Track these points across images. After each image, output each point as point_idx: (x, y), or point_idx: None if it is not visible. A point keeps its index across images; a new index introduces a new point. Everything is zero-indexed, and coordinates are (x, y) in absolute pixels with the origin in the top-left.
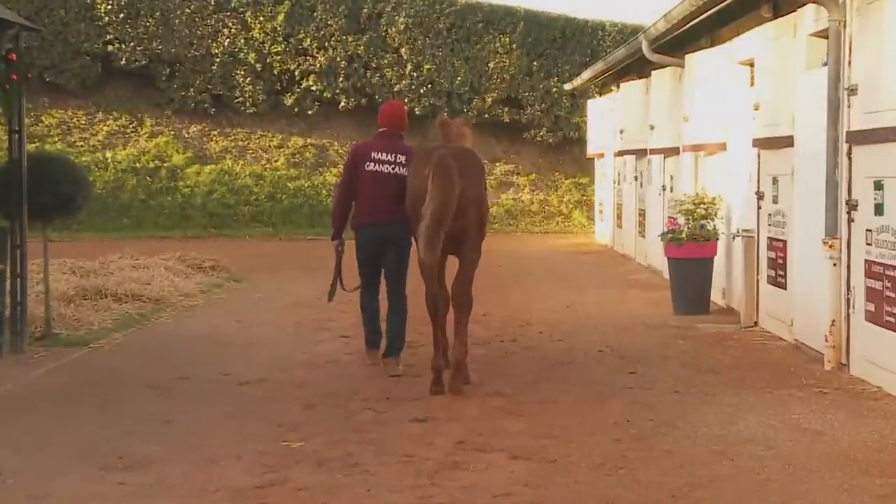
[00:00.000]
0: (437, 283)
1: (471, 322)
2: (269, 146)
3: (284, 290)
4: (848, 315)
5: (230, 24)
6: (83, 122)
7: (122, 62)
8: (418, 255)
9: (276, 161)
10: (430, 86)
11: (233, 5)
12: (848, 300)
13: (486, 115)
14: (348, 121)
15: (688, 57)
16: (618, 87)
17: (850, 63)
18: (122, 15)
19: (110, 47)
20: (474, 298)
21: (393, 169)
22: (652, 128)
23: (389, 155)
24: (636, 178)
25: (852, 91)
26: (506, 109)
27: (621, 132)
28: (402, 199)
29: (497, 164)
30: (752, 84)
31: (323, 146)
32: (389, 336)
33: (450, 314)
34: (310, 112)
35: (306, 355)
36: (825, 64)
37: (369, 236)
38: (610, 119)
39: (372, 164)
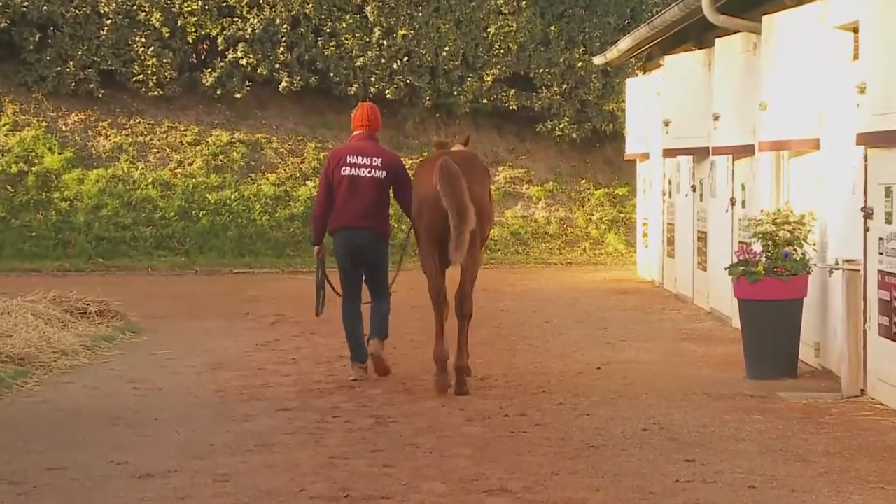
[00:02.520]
0: (440, 278)
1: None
2: (181, 143)
3: (202, 345)
4: None
5: None
6: None
7: None
8: (421, 258)
9: (190, 164)
10: (405, 59)
11: None
12: None
13: (485, 101)
14: (292, 108)
15: (765, 19)
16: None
17: None
18: None
19: None
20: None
21: (370, 172)
22: (716, 118)
23: (365, 158)
24: (694, 187)
25: None
26: (512, 92)
27: (669, 124)
28: (381, 204)
29: (500, 169)
30: (856, 57)
31: (256, 143)
32: (373, 324)
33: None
34: (238, 95)
35: (231, 436)
36: None
37: (347, 240)
38: (657, 105)
39: (347, 168)
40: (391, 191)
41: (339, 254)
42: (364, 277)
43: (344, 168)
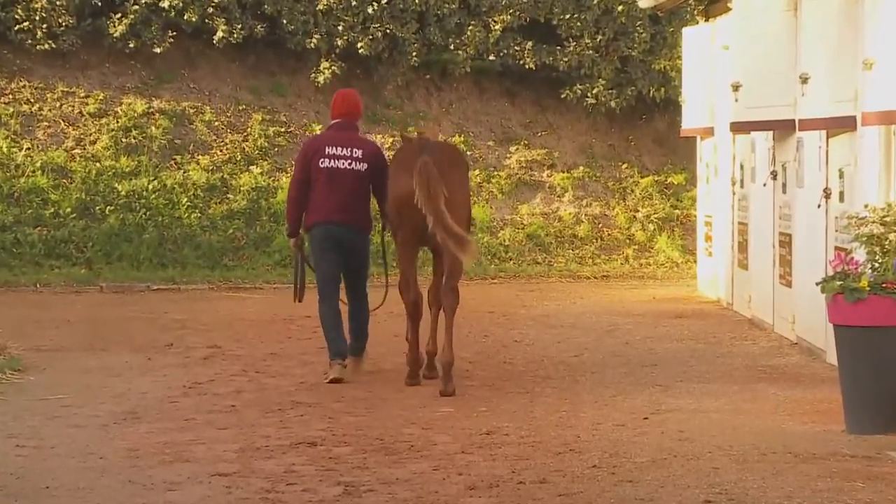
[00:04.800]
0: (416, 288)
1: (469, 451)
2: (81, 114)
3: (109, 388)
4: None
5: None
6: None
7: None
8: (399, 263)
9: (92, 142)
10: (384, 0)
11: None
12: None
13: (492, 58)
14: (231, 67)
15: None
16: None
17: None
18: None
19: None
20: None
21: (350, 164)
22: (804, 80)
23: (345, 149)
24: (774, 174)
25: None
26: (529, 46)
27: (741, 88)
28: (361, 197)
29: (512, 150)
30: None
31: (182, 114)
32: (351, 335)
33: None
34: (157, 50)
35: None
36: None
37: (324, 237)
38: (724, 63)
39: (326, 159)
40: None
41: (316, 251)
42: (342, 277)
43: (322, 160)
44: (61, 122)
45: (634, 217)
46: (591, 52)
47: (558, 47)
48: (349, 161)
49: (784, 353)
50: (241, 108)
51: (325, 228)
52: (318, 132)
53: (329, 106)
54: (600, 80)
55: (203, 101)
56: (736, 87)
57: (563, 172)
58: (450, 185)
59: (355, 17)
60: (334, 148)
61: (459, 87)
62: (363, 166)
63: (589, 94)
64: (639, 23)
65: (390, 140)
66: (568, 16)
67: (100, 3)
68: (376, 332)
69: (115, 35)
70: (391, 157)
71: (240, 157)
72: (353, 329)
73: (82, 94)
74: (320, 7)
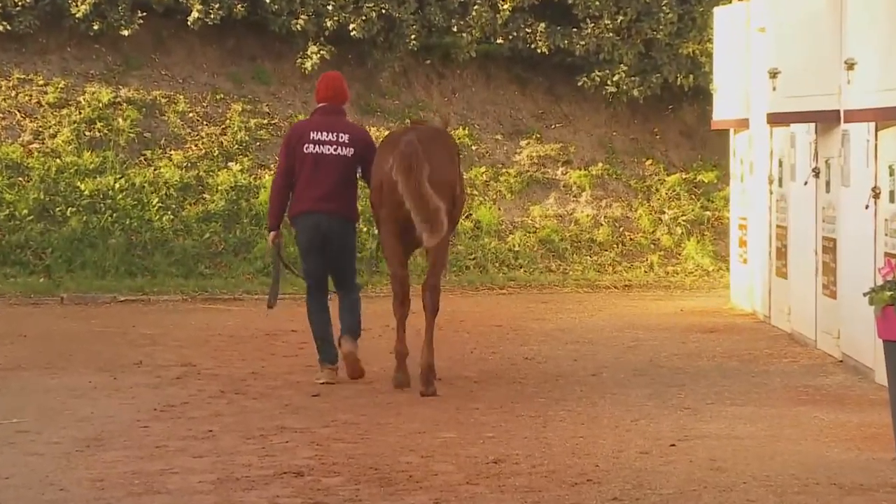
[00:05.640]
0: (403, 268)
1: (475, 481)
2: (39, 104)
3: (71, 411)
4: None
5: None
6: None
7: None
8: (383, 244)
9: (52, 136)
10: None
11: None
12: None
13: (500, 41)
14: (208, 52)
15: None
16: None
17: None
18: None
19: None
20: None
21: (336, 150)
22: (850, 66)
23: (331, 134)
24: (817, 171)
25: None
26: (541, 27)
27: (779, 75)
28: (348, 185)
29: (523, 144)
30: None
31: (154, 105)
32: (344, 322)
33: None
34: (125, 32)
35: None
36: None
37: (310, 226)
38: (760, 48)
39: (311, 145)
40: (358, 170)
41: (302, 242)
42: (330, 267)
43: (307, 145)
44: (17, 113)
45: (660, 219)
46: (611, 34)
47: (574, 29)
48: (335, 146)
49: (828, 371)
50: (218, 97)
51: (311, 218)
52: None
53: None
54: (621, 65)
55: (176, 90)
56: (774, 74)
57: (580, 169)
58: (434, 162)
59: None
60: (319, 133)
61: (463, 74)
62: (350, 151)
63: (609, 82)
64: (665, 2)
65: (386, 133)
66: None
67: None
68: (371, 349)
69: (77, 16)
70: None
71: (217, 152)
72: (345, 318)
73: (40, 82)
74: None
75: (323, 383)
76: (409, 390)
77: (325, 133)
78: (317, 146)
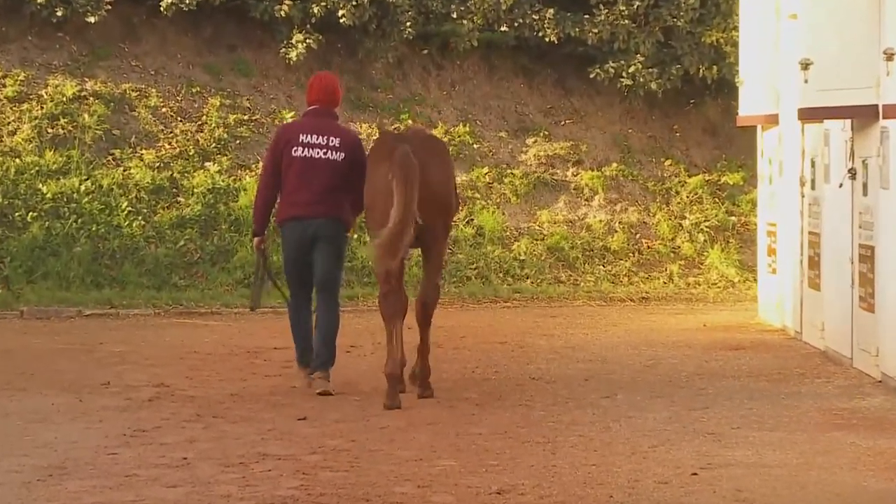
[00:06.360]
0: (395, 285)
1: None
2: None
3: (31, 436)
4: None
5: None
6: None
7: None
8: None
9: (11, 133)
10: None
11: None
12: None
13: (505, 28)
14: (182, 41)
15: None
16: None
17: None
18: None
19: None
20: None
21: (325, 154)
22: (889, 57)
23: (321, 137)
24: (853, 172)
25: None
26: (549, 14)
27: (811, 67)
28: (337, 189)
29: (529, 142)
30: None
31: (122, 99)
32: (317, 346)
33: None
34: (91, 19)
35: None
36: None
37: (298, 233)
38: (790, 36)
39: (300, 148)
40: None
41: (289, 249)
42: (315, 270)
43: (296, 148)
44: None
45: (680, 225)
46: (626, 21)
47: (586, 16)
48: (325, 150)
49: (865, 393)
50: (194, 90)
51: (300, 224)
52: (291, 120)
53: (303, 88)
54: (638, 56)
55: (147, 83)
56: (806, 66)
57: (592, 170)
58: (430, 175)
59: None
60: (309, 136)
61: (464, 65)
62: (340, 156)
63: (624, 74)
64: None
65: (377, 132)
66: None
67: None
68: (362, 368)
69: (38, 1)
70: (369, 150)
71: (193, 151)
72: (321, 338)
73: None
74: None
75: (302, 385)
76: (404, 413)
77: (314, 136)
78: (306, 149)
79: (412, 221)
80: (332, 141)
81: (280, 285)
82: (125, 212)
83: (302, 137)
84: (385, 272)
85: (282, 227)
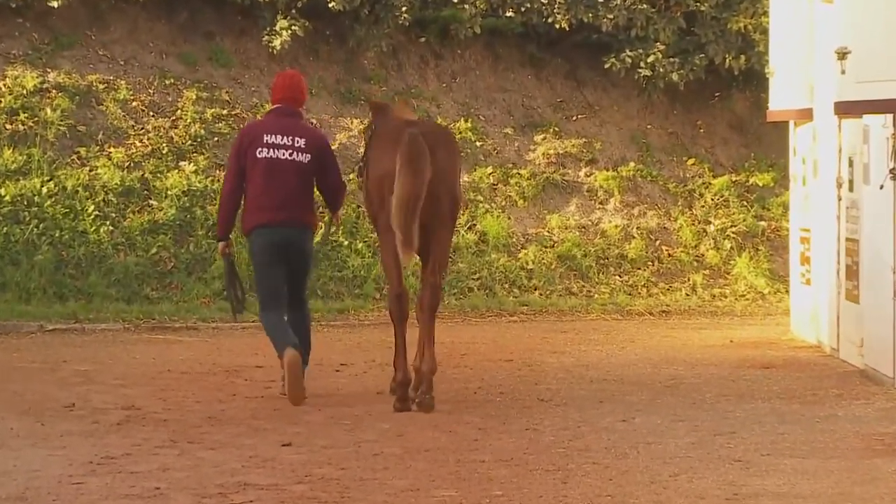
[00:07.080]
0: (401, 283)
1: None
2: None
3: None
4: None
5: None
6: None
7: None
8: (382, 257)
9: None
10: None
11: None
12: None
13: (510, 14)
14: (154, 27)
15: None
16: None
17: None
18: None
19: None
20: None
21: (291, 155)
22: None
23: (286, 138)
24: (894, 173)
25: None
26: (560, 0)
27: (848, 56)
28: (305, 192)
29: (538, 139)
30: None
31: (89, 91)
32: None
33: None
34: (54, 4)
35: None
36: None
37: (266, 241)
38: (825, 24)
39: (265, 149)
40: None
41: (258, 257)
42: (285, 280)
43: (260, 149)
44: None
45: (704, 231)
46: (644, 6)
47: (601, 1)
48: (290, 151)
49: None
50: (168, 82)
51: (267, 231)
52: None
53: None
54: (658, 44)
55: (116, 74)
56: (842, 55)
57: (607, 170)
58: (438, 162)
59: None
60: (273, 136)
61: (466, 54)
62: (306, 157)
63: (642, 64)
64: None
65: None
66: None
67: None
68: (353, 389)
69: None
70: (368, 132)
71: (166, 149)
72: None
73: None
74: None
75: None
76: (399, 438)
77: (279, 136)
78: (271, 150)
79: (422, 196)
80: (298, 142)
81: (246, 288)
82: (91, 216)
83: (266, 138)
84: (397, 275)
85: (249, 236)
